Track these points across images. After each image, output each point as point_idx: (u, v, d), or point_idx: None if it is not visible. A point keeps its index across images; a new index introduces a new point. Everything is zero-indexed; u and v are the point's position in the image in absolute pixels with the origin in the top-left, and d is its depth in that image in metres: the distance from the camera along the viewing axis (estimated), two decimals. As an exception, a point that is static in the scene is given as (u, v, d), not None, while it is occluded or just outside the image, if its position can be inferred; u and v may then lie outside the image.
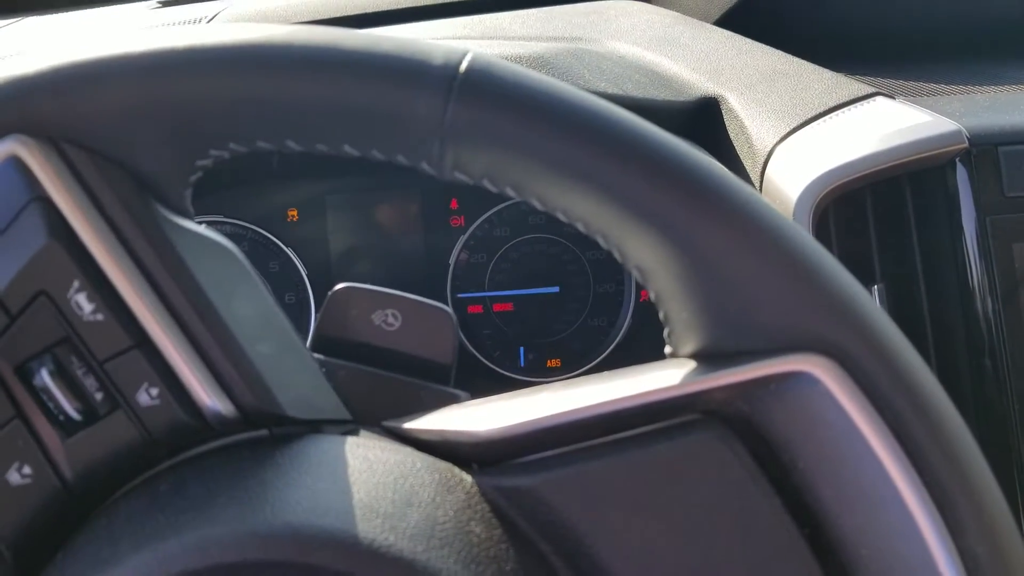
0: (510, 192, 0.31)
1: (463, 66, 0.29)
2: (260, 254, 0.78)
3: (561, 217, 0.31)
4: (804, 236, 0.29)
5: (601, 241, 0.31)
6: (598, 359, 0.79)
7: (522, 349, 0.80)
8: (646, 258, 0.30)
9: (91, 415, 0.30)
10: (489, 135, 0.29)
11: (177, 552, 0.27)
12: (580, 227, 0.31)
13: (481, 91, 0.28)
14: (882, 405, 0.28)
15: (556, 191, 0.29)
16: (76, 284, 0.30)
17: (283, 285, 0.78)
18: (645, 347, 0.80)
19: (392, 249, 0.79)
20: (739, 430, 0.30)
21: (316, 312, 0.77)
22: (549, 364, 0.80)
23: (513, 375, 0.79)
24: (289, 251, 0.77)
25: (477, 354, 0.79)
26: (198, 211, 0.77)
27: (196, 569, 0.27)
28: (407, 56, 0.29)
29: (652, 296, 0.32)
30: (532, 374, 0.80)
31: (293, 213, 0.78)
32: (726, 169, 0.30)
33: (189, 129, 0.30)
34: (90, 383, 0.30)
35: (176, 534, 0.28)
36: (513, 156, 0.29)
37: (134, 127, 0.30)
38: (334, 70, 0.29)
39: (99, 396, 0.30)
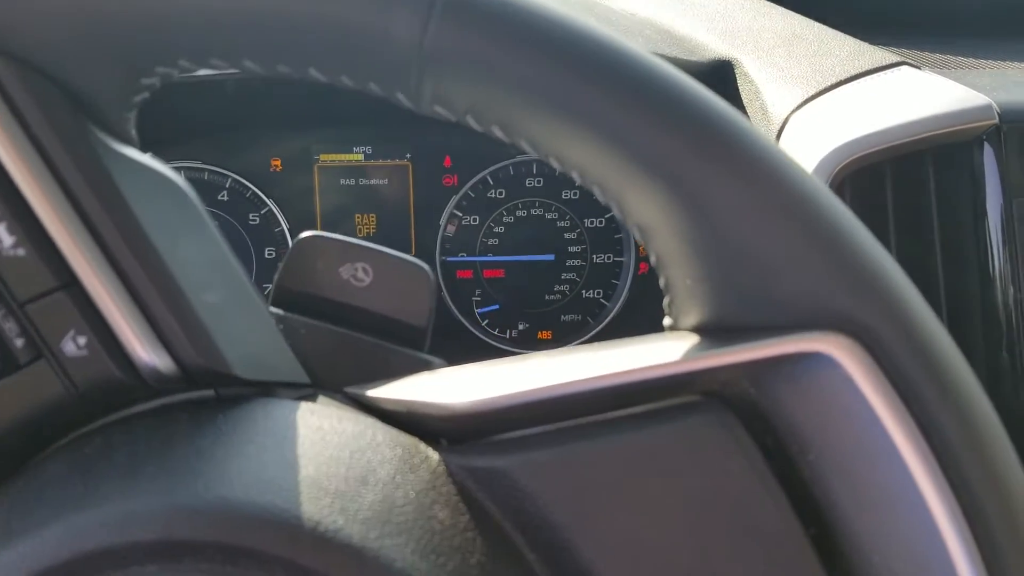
0: (496, 132, 0.27)
1: None
2: (240, 205, 0.75)
3: (554, 164, 0.27)
4: (831, 199, 0.26)
5: (598, 193, 0.27)
6: (593, 332, 0.77)
7: (513, 318, 0.77)
8: (648, 214, 0.26)
9: (9, 364, 0.27)
10: (475, 62, 0.25)
11: (93, 526, 0.24)
12: (575, 176, 0.27)
13: (468, 9, 0.25)
14: (908, 395, 0.25)
15: (549, 132, 0.26)
16: None
17: (263, 239, 0.75)
18: (643, 322, 0.77)
19: (379, 206, 0.77)
20: (743, 415, 0.27)
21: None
22: (540, 336, 0.78)
23: (502, 346, 0.77)
24: (271, 203, 0.74)
25: (464, 322, 0.76)
26: (175, 156, 0.74)
27: (112, 546, 0.23)
28: None
29: (652, 260, 0.28)
30: (522, 345, 0.78)
31: (276, 163, 0.74)
32: (744, 117, 0.26)
33: (133, 41, 0.27)
34: (9, 327, 0.27)
35: (95, 505, 0.24)
36: (502, 88, 0.25)
37: (68, 35, 0.26)
38: None
39: (19, 343, 0.27)
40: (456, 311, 0.76)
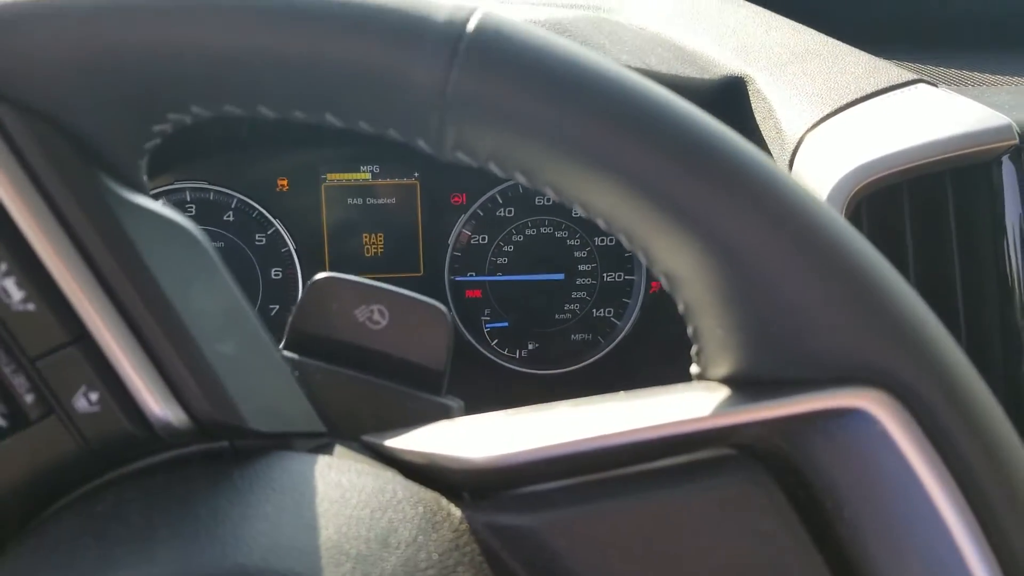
0: (520, 178, 0.26)
1: (471, 25, 0.24)
2: (246, 225, 0.73)
3: (579, 211, 0.26)
4: (870, 251, 0.25)
5: (625, 241, 0.26)
6: (603, 352, 0.76)
7: (522, 338, 0.76)
8: (678, 263, 0.25)
9: (19, 420, 0.26)
10: (498, 109, 0.24)
11: None
12: (600, 223, 0.26)
13: (491, 56, 0.24)
14: (950, 453, 0.24)
15: (574, 180, 0.25)
16: (3, 267, 0.26)
17: (269, 259, 0.74)
18: (654, 341, 0.76)
19: (387, 226, 0.75)
20: (775, 470, 0.26)
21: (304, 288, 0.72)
22: (550, 356, 0.76)
23: (511, 366, 0.75)
24: (277, 223, 0.73)
25: (473, 342, 0.75)
26: (180, 176, 0.73)
27: None
28: (405, 10, 0.24)
29: (680, 307, 0.27)
30: (532, 366, 0.76)
31: (283, 182, 0.73)
32: (780, 166, 0.25)
33: (144, 88, 0.26)
34: (19, 383, 0.26)
35: (107, 572, 0.23)
36: (525, 136, 0.24)
37: (77, 82, 0.25)
38: (317, 23, 0.24)
39: (29, 399, 0.26)
40: (465, 331, 0.75)
